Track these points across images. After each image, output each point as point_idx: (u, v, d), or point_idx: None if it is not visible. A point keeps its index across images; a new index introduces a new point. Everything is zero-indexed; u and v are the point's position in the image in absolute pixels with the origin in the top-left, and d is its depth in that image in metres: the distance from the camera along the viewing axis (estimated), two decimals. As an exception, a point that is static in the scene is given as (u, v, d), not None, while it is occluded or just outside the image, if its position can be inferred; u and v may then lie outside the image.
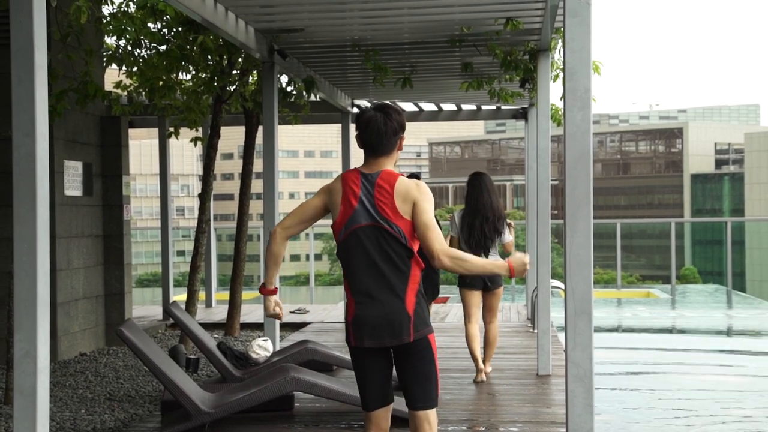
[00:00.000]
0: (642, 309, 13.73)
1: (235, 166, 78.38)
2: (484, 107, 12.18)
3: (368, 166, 3.58)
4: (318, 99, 10.65)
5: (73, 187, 8.82)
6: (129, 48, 8.12)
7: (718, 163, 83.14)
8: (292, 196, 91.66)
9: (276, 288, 3.75)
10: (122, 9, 7.94)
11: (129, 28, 7.39)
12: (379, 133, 3.55)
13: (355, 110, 11.93)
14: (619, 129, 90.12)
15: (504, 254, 6.87)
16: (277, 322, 7.56)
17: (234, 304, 9.87)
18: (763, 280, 41.33)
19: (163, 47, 8.14)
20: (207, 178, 8.91)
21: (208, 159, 8.83)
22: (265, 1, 6.55)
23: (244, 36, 6.92)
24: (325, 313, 11.33)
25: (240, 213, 10.04)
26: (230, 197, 73.07)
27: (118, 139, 9.56)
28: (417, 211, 3.47)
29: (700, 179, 76.69)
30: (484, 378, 6.94)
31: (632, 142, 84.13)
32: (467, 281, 6.84)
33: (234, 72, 8.74)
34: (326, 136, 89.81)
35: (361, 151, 3.68)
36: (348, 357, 6.50)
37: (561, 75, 7.76)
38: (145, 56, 8.22)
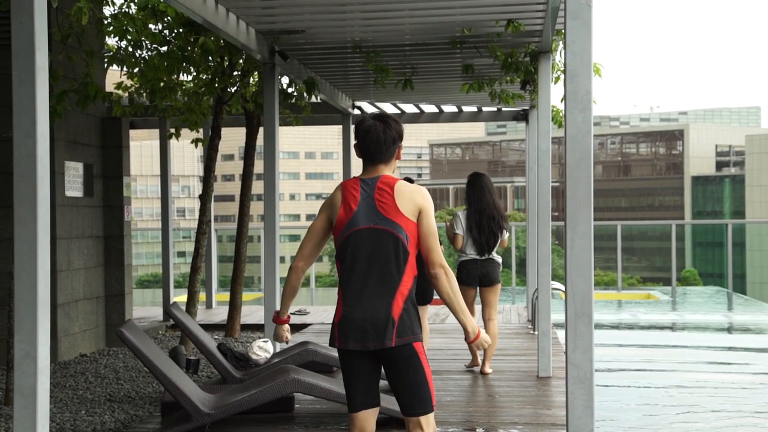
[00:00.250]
0: (642, 310, 13.73)
1: (236, 167, 78.43)
2: (484, 109, 12.18)
3: (367, 174, 3.63)
4: (319, 100, 10.65)
5: (73, 188, 8.82)
6: (130, 49, 8.12)
7: (719, 165, 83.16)
8: (292, 197, 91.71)
9: (289, 317, 3.88)
10: (123, 10, 7.94)
11: (130, 29, 7.39)
12: (378, 142, 3.59)
13: (356, 112, 11.94)
14: (620, 131, 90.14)
15: (500, 251, 7.33)
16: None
17: (234, 306, 9.86)
18: (764, 282, 41.32)
19: (164, 48, 8.14)
20: (208, 179, 8.91)
21: (209, 160, 8.83)
22: (266, 2, 6.55)
23: (245, 37, 6.93)
24: (326, 315, 11.33)
25: (241, 214, 10.04)
26: (231, 198, 73.07)
27: (118, 140, 9.56)
28: (423, 216, 3.54)
29: (701, 181, 76.70)
30: (488, 370, 7.22)
31: (633, 144, 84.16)
32: (463, 279, 7.16)
33: (235, 73, 8.74)
34: (327, 137, 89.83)
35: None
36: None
37: (562, 77, 7.73)
38: (146, 57, 8.22)
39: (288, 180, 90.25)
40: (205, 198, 8.85)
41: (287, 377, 5.39)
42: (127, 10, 7.96)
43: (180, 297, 11.31)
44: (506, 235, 7.25)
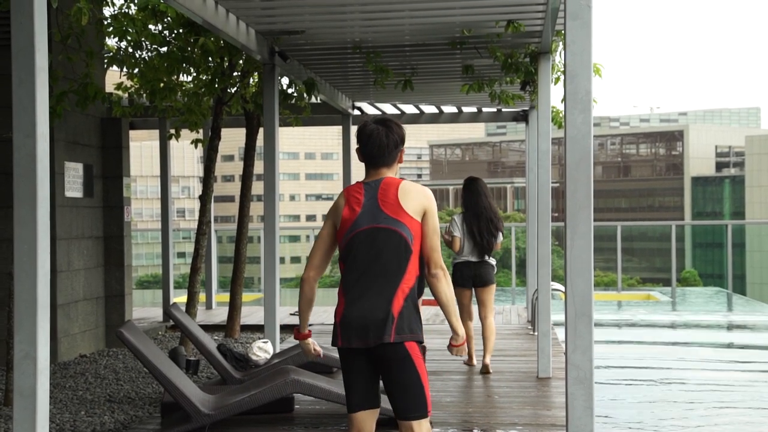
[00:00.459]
0: (642, 311, 13.74)
1: (236, 167, 78.40)
2: (484, 110, 12.18)
3: (370, 177, 3.66)
4: (319, 101, 10.65)
5: (73, 189, 8.82)
6: (130, 50, 8.12)
7: (719, 166, 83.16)
8: (292, 198, 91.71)
9: (310, 331, 3.83)
10: (123, 10, 7.94)
11: (130, 30, 7.38)
12: (380, 147, 3.62)
13: (356, 112, 11.94)
14: (620, 131, 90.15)
15: (494, 253, 7.53)
16: (277, 323, 7.57)
17: (234, 306, 9.86)
18: (764, 283, 41.32)
19: (164, 49, 8.14)
20: (207, 179, 8.91)
21: (209, 161, 8.83)
22: (266, 3, 6.55)
23: (245, 38, 6.93)
24: (326, 315, 11.32)
25: (240, 215, 10.03)
26: (231, 199, 73.07)
27: (118, 141, 9.56)
28: (427, 216, 3.59)
29: (701, 182, 76.71)
30: (488, 362, 7.39)
31: (633, 144, 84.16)
32: (457, 280, 7.35)
33: (235, 74, 8.74)
34: (327, 138, 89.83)
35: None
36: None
37: (562, 77, 7.74)
38: (146, 58, 8.22)
39: (288, 181, 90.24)
40: (205, 198, 8.85)
41: (287, 378, 5.39)
42: (126, 10, 7.96)
43: (180, 298, 11.31)
44: (500, 238, 7.45)
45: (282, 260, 10.89)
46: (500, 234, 7.42)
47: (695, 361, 9.31)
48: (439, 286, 3.58)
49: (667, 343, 10.67)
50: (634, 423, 6.44)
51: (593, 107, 3.79)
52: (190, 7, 5.81)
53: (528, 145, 11.51)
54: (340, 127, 11.90)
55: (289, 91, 9.29)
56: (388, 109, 12.13)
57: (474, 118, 12.45)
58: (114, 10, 8.07)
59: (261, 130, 8.68)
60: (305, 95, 8.93)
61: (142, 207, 76.47)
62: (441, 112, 12.20)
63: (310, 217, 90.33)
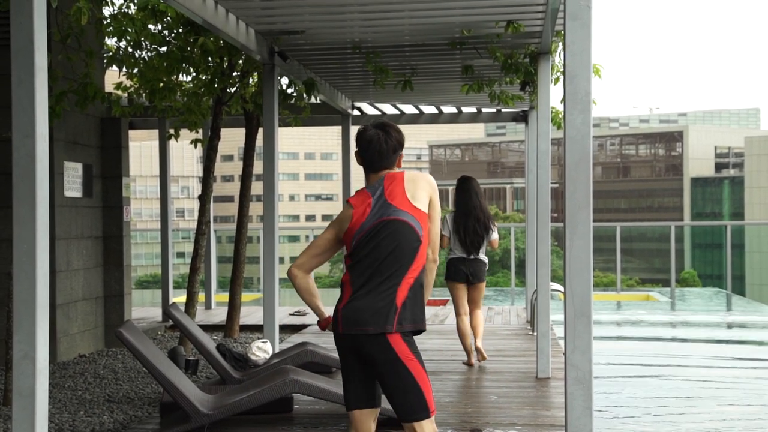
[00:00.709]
0: (641, 311, 13.74)
1: (236, 168, 78.41)
2: (484, 110, 12.18)
3: (370, 181, 3.69)
4: (318, 101, 10.65)
5: (72, 189, 8.82)
6: (129, 49, 8.12)
7: (718, 167, 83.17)
8: (292, 198, 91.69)
9: (330, 316, 3.76)
10: (123, 10, 7.94)
11: (129, 30, 7.38)
12: (380, 152, 3.66)
13: (356, 112, 11.94)
14: (620, 132, 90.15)
15: (490, 251, 7.76)
16: (277, 323, 7.57)
17: (233, 306, 9.86)
18: (763, 283, 41.34)
19: (164, 49, 8.14)
20: (207, 179, 8.91)
21: (208, 161, 8.82)
22: (265, 3, 6.55)
23: (244, 38, 6.93)
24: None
25: (240, 215, 10.03)
26: (230, 199, 73.08)
27: (118, 141, 9.56)
28: (432, 205, 3.67)
29: (700, 183, 76.72)
30: (473, 364, 7.64)
31: (632, 145, 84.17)
32: (451, 275, 7.60)
33: (234, 74, 8.73)
34: (326, 138, 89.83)
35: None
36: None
37: (561, 78, 7.76)
38: (146, 58, 8.22)
39: (287, 181, 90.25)
40: (204, 198, 8.84)
41: (286, 378, 5.39)
42: (126, 10, 7.96)
43: (179, 297, 11.31)
44: (494, 235, 7.62)
45: (281, 260, 10.89)
46: (492, 232, 7.61)
47: (694, 357, 9.32)
48: (428, 275, 3.65)
49: (666, 342, 10.68)
50: (629, 418, 6.45)
51: (593, 108, 3.79)
52: (189, 6, 5.81)
53: (527, 146, 11.51)
54: (340, 127, 11.90)
55: (289, 91, 9.28)
56: (388, 109, 12.13)
57: (473, 118, 12.45)
58: (113, 10, 8.08)
59: (260, 130, 8.68)
60: (305, 95, 8.93)
61: (141, 207, 76.46)
62: (440, 112, 12.19)
63: (310, 218, 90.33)
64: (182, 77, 8.84)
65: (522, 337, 9.56)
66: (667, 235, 15.96)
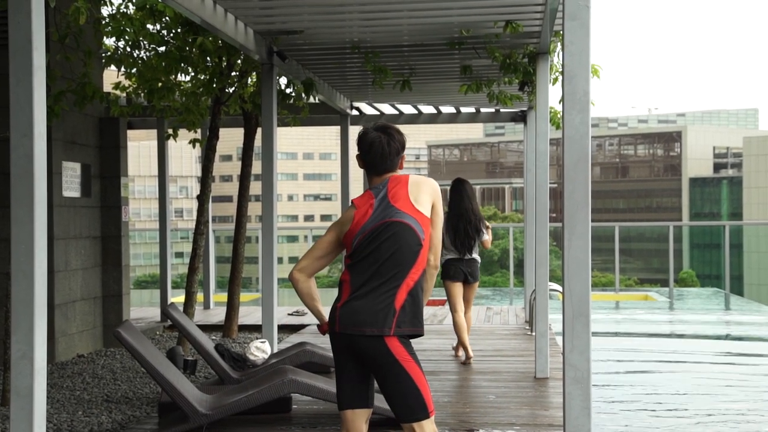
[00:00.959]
0: (640, 311, 13.75)
1: (234, 167, 78.40)
2: (483, 110, 12.18)
3: (373, 184, 3.69)
4: (317, 101, 10.64)
5: (71, 189, 8.81)
6: (128, 49, 8.11)
7: (717, 167, 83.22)
8: (290, 198, 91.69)
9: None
10: (121, 10, 7.93)
11: (128, 30, 7.38)
12: (383, 155, 3.65)
13: (354, 112, 11.93)
14: (618, 132, 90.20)
15: (483, 251, 8.07)
16: (275, 323, 7.57)
17: (232, 306, 9.85)
18: (761, 283, 41.38)
19: (162, 48, 8.13)
20: (205, 179, 8.90)
21: (207, 161, 8.82)
22: (264, 2, 6.55)
23: (243, 38, 6.92)
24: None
25: (238, 215, 10.03)
26: (229, 199, 73.07)
27: (116, 141, 9.55)
28: (435, 211, 3.65)
29: (699, 183, 76.77)
30: (471, 357, 7.81)
31: (631, 145, 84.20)
32: (450, 274, 7.81)
33: (233, 74, 8.73)
34: (325, 138, 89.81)
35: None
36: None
37: (560, 78, 7.76)
38: (144, 57, 8.21)
39: (286, 181, 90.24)
40: (203, 198, 8.84)
41: (284, 378, 5.39)
42: (125, 10, 7.95)
43: (178, 298, 11.30)
44: (485, 236, 7.92)
45: (280, 260, 10.89)
46: (483, 234, 7.88)
47: (692, 355, 9.33)
48: (428, 279, 3.65)
49: (663, 341, 10.68)
50: (624, 421, 6.45)
51: (591, 108, 3.80)
52: (188, 6, 5.81)
53: (526, 146, 11.51)
54: (339, 127, 11.89)
55: (288, 91, 9.28)
56: (387, 109, 12.13)
57: (472, 118, 12.44)
58: (112, 10, 8.07)
59: (259, 130, 8.68)
60: (303, 95, 8.92)
61: (140, 207, 76.44)
62: (439, 112, 12.19)
63: (308, 218, 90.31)
64: (181, 77, 8.84)
65: (520, 337, 9.56)
66: (665, 235, 15.95)
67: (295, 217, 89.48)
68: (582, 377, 3.72)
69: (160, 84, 8.24)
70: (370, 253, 3.53)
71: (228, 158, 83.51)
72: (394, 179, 3.63)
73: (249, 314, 11.50)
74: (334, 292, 3.76)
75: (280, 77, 8.54)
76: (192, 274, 8.64)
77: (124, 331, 5.24)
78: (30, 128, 3.74)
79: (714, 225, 53.95)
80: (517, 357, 8.21)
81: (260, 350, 6.82)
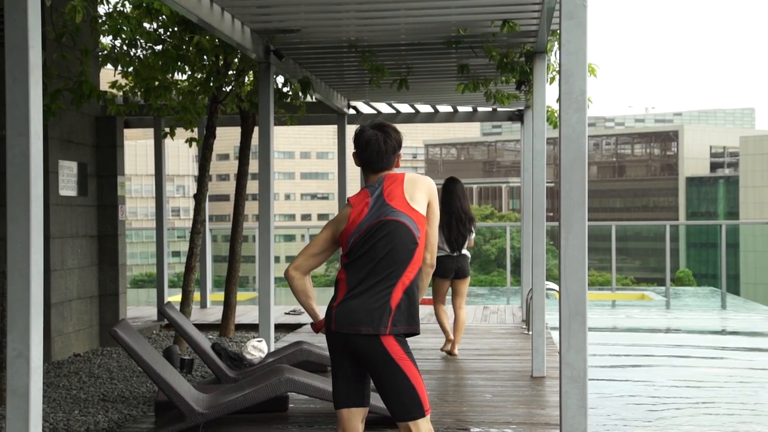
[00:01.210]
0: (636, 311, 13.77)
1: (231, 166, 78.32)
2: (480, 109, 12.18)
3: (370, 182, 3.68)
4: (314, 100, 10.64)
5: (67, 187, 8.80)
6: (124, 48, 8.10)
7: (713, 167, 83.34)
8: (287, 197, 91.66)
9: (324, 319, 3.73)
10: (118, 9, 7.92)
11: (124, 28, 7.37)
12: (379, 153, 3.64)
13: (351, 111, 11.93)
14: (615, 132, 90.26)
15: (468, 248, 8.30)
16: (272, 322, 7.57)
17: (229, 305, 9.85)
18: (758, 282, 41.43)
19: (159, 47, 8.12)
20: (202, 178, 8.89)
21: (204, 160, 8.81)
22: (261, 1, 6.54)
23: (240, 36, 6.92)
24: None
25: (235, 214, 10.02)
26: (226, 198, 72.93)
27: (113, 140, 9.54)
28: (431, 209, 3.65)
29: (695, 182, 76.89)
30: (456, 352, 8.11)
31: (628, 144, 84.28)
32: (440, 272, 8.06)
33: (230, 72, 8.72)
34: (322, 137, 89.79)
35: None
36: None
37: (557, 77, 7.75)
38: (141, 56, 8.20)
39: (283, 180, 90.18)
40: (199, 197, 8.83)
41: (281, 377, 5.38)
42: (121, 8, 7.94)
43: (174, 297, 11.29)
44: (472, 235, 8.28)
45: (277, 259, 10.89)
46: (471, 233, 8.21)
47: (689, 353, 9.34)
48: (424, 278, 3.66)
49: (659, 339, 10.70)
50: (619, 419, 6.46)
51: (588, 107, 3.80)
52: (184, 5, 5.80)
53: (523, 145, 11.52)
54: (336, 126, 11.89)
55: (285, 89, 9.27)
56: (384, 108, 12.13)
57: (469, 117, 12.45)
58: (109, 8, 8.06)
59: (256, 129, 8.67)
60: (300, 94, 8.92)
61: (136, 206, 76.36)
62: (436, 111, 12.19)
63: (305, 216, 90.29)
64: (177, 76, 8.83)
65: (517, 336, 9.57)
66: (662, 235, 15.97)
67: (292, 216, 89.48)
68: (578, 376, 3.72)
69: (156, 83, 8.23)
70: (366, 251, 3.52)
71: (225, 157, 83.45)
72: (389, 177, 3.62)
73: (246, 313, 11.50)
74: (331, 292, 3.75)
75: (277, 76, 8.53)
76: (189, 273, 8.63)
77: (121, 330, 5.23)
78: (26, 127, 3.73)
79: (711, 224, 54.10)
80: (514, 356, 8.22)
81: (257, 349, 6.81)
